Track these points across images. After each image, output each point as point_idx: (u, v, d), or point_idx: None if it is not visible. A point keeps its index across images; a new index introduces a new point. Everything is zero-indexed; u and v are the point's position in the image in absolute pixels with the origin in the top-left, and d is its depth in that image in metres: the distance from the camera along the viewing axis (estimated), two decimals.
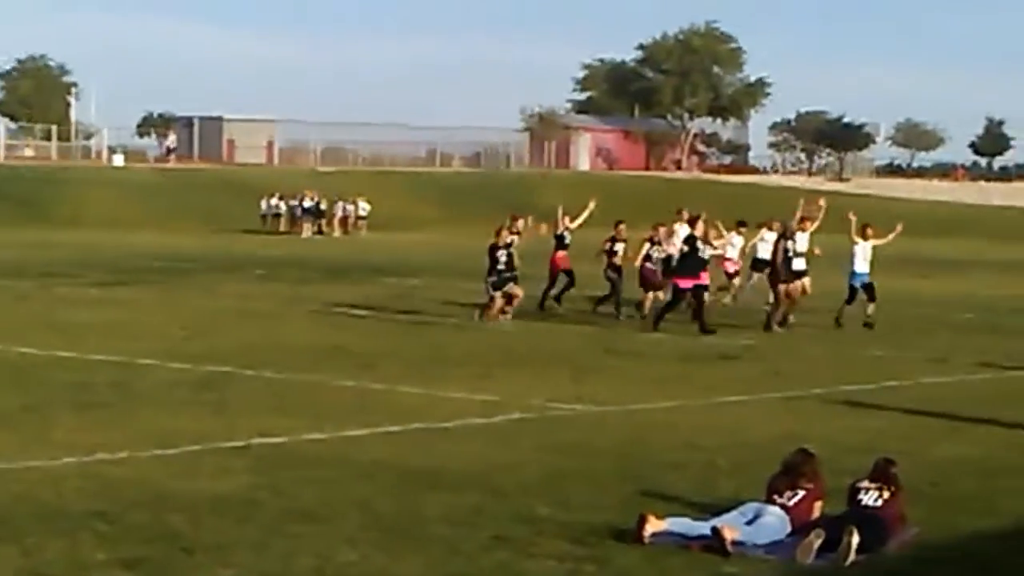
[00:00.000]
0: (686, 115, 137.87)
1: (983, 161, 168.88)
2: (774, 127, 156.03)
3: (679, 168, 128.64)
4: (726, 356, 23.54)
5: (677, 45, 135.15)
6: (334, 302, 31.65)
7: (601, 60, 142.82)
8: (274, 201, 73.54)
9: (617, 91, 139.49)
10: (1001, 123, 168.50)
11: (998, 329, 29.06)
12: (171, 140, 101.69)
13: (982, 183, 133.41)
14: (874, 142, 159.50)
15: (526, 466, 13.76)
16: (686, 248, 27.40)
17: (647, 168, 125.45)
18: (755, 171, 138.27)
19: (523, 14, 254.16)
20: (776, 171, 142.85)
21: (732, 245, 32.48)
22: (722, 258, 31.65)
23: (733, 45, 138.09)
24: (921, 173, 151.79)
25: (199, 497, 11.96)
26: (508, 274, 27.57)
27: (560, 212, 31.54)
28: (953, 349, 25.26)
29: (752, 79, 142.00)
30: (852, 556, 10.38)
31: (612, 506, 11.90)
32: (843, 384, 20.19)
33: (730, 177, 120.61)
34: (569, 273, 30.58)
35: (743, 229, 33.04)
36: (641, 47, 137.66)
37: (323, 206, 72.76)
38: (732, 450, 14.78)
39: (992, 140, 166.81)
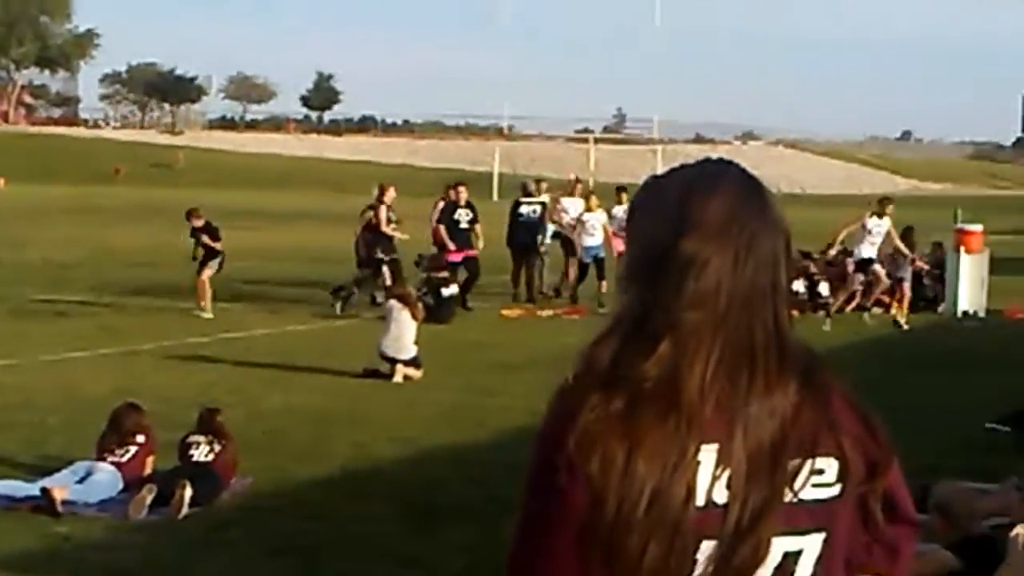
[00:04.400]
0: (12, 66, 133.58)
1: (314, 114, 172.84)
2: (105, 79, 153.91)
3: (7, 121, 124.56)
4: (61, 313, 22.98)
5: None
6: None
7: None
8: None
9: None
10: (331, 77, 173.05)
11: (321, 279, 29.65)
12: None
13: (314, 136, 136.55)
14: (206, 95, 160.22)
15: None
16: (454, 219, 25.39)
17: None
18: (85, 124, 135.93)
19: None
20: (107, 124, 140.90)
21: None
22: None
23: None
24: (253, 126, 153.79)
25: None
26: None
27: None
28: (285, 300, 25.67)
29: (81, 29, 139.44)
30: (185, 509, 10.37)
31: None
32: (176, 339, 20.11)
33: (66, 130, 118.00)
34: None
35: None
36: None
37: None
38: (64, 408, 14.42)
39: (322, 94, 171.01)
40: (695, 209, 2.32)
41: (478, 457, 12.51)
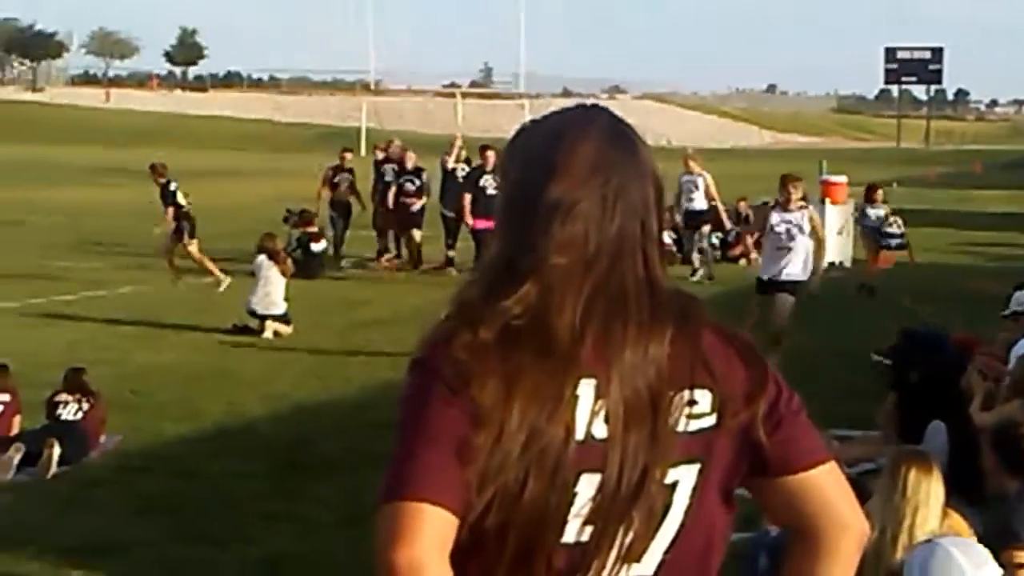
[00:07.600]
0: None
1: (178, 70, 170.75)
2: None
3: None
4: None
5: None
6: None
7: None
8: None
9: None
10: (195, 32, 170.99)
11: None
12: None
13: (178, 92, 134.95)
14: (68, 51, 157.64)
15: None
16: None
17: None
18: None
19: None
20: None
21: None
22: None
23: None
24: (116, 82, 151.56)
25: None
26: None
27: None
28: (151, 257, 25.17)
29: None
30: (54, 468, 10.27)
31: None
32: (40, 297, 19.80)
33: None
34: None
35: None
36: None
37: None
38: None
39: (186, 49, 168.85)
40: (563, 154, 2.34)
41: (345, 412, 12.50)
